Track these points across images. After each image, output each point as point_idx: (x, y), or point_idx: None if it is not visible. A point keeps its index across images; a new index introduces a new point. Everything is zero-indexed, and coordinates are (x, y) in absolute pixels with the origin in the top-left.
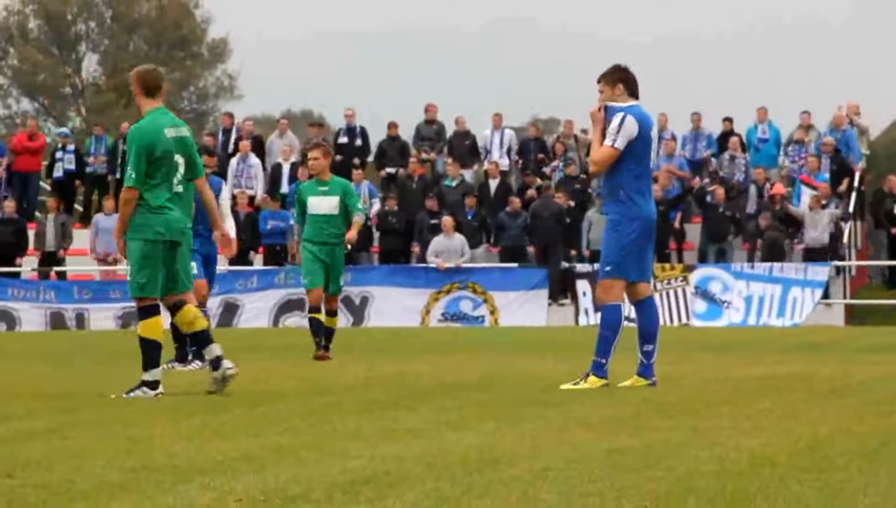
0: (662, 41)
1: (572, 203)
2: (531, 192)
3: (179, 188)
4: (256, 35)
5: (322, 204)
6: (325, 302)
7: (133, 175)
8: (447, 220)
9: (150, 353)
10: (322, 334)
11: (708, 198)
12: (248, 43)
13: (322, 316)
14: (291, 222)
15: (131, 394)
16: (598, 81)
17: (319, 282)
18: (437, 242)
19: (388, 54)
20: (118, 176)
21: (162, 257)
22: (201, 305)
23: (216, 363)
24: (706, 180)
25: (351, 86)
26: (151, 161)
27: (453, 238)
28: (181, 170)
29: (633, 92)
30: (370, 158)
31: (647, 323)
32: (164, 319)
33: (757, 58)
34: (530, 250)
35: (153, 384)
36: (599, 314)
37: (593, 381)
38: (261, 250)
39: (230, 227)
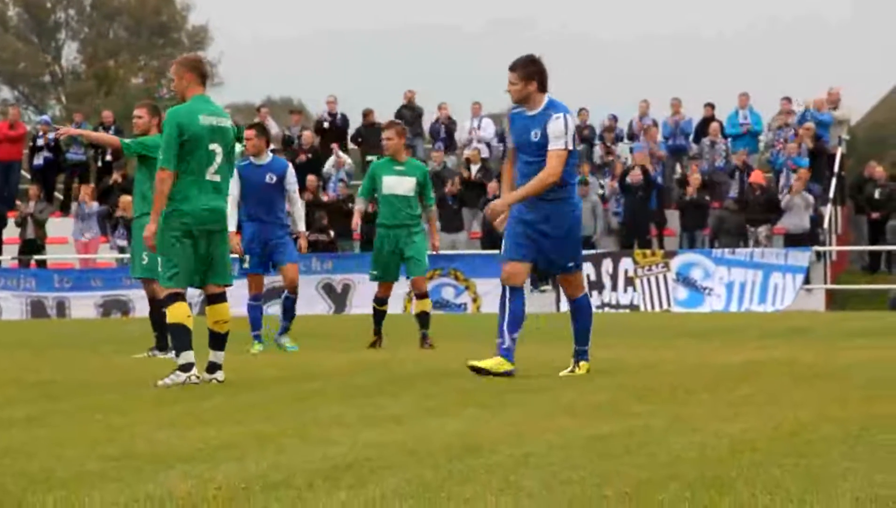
0: (662, 41)
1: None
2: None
3: (216, 177)
4: (251, 33)
5: (398, 184)
6: (413, 286)
7: (162, 155)
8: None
9: (180, 338)
10: (381, 324)
11: (683, 189)
12: (242, 43)
13: (387, 307)
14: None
15: (168, 380)
16: (511, 71)
17: (389, 277)
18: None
19: (386, 53)
20: (99, 164)
21: (192, 248)
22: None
23: (212, 369)
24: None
25: (348, 83)
26: (181, 144)
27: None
28: (218, 159)
29: (544, 87)
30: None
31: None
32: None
33: (756, 57)
34: None
35: (187, 367)
36: (577, 310)
37: (584, 366)
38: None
39: (299, 212)
